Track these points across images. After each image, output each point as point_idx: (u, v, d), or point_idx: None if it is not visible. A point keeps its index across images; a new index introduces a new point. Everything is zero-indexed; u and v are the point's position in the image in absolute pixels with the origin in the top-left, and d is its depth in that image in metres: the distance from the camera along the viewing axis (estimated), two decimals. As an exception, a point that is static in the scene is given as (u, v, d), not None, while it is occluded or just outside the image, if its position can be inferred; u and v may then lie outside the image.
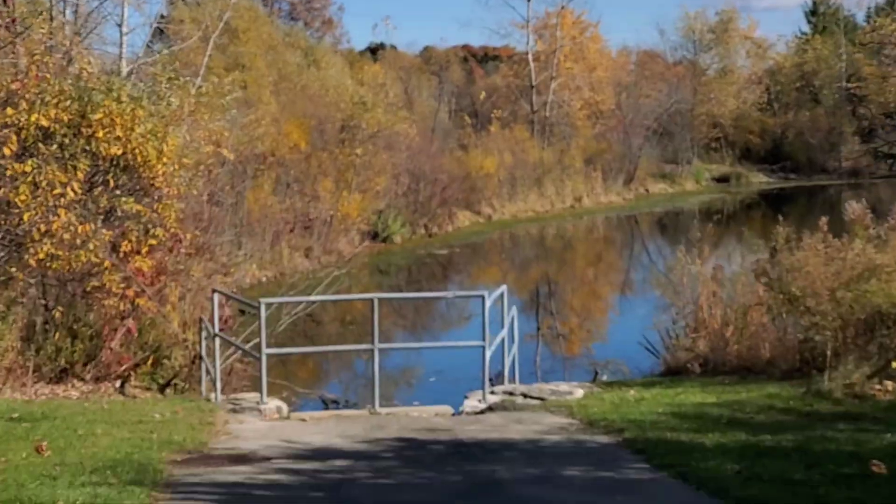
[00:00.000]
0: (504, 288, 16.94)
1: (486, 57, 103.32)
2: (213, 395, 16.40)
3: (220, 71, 40.69)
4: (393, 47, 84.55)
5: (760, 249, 22.68)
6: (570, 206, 63.97)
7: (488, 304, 15.57)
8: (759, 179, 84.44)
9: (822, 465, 10.03)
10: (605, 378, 18.59)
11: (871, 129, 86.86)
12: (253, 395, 16.21)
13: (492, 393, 15.88)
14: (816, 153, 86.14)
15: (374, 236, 45.08)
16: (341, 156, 44.18)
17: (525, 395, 15.77)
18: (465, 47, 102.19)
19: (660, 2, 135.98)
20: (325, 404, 19.50)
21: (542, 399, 15.44)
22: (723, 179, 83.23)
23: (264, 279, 35.39)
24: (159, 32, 41.03)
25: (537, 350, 24.61)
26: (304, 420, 14.74)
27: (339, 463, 11.15)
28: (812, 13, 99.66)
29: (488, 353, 15.61)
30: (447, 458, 11.51)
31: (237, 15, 46.64)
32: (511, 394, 15.93)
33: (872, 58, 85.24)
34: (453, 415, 15.41)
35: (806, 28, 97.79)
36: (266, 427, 13.88)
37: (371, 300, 15.71)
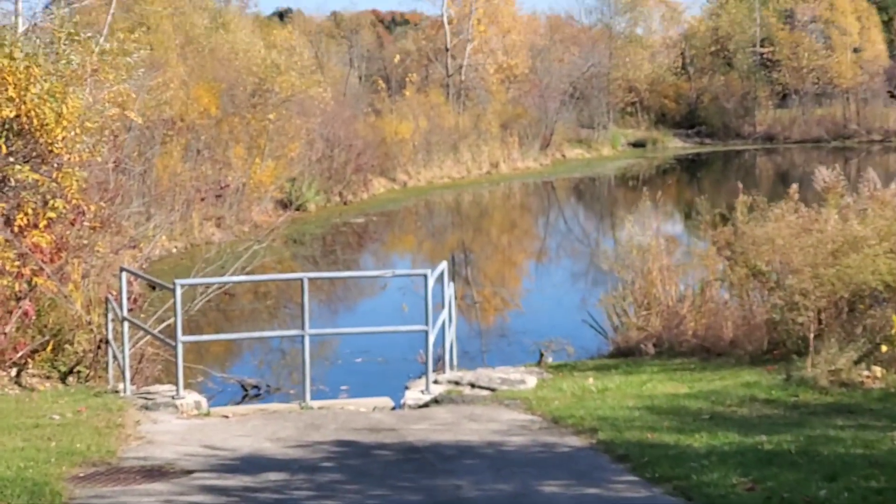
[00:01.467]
0: (444, 265, 15.24)
1: (393, 22, 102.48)
2: (121, 386, 14.64)
3: (124, 33, 38.64)
4: (300, 12, 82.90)
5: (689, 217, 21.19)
6: (486, 173, 62.53)
7: (431, 282, 13.93)
8: (675, 144, 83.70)
9: (842, 477, 8.54)
10: (550, 360, 17.00)
11: (784, 94, 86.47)
12: (167, 388, 14.44)
13: (435, 382, 14.24)
14: (731, 118, 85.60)
15: (288, 204, 43.26)
16: (253, 121, 42.30)
17: (473, 385, 14.17)
18: (374, 12, 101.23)
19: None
20: (245, 390, 17.84)
21: (492, 389, 13.86)
22: (639, 144, 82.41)
23: (174, 250, 33.70)
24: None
25: (469, 329, 23.13)
26: (226, 417, 13.00)
27: (272, 477, 9.42)
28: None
29: (432, 338, 13.98)
30: (398, 468, 9.84)
31: (142, -26, 44.45)
32: (457, 383, 14.33)
33: (784, 22, 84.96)
34: (394, 408, 13.78)
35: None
36: (184, 427, 12.16)
37: (300, 280, 13.95)
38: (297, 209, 42.79)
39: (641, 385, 13.50)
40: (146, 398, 13.72)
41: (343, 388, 17.22)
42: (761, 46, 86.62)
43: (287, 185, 43.59)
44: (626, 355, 16.60)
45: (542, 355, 17.00)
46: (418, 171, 57.42)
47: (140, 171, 32.63)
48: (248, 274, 19.56)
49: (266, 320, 25.84)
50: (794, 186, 15.89)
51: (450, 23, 73.20)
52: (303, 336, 13.72)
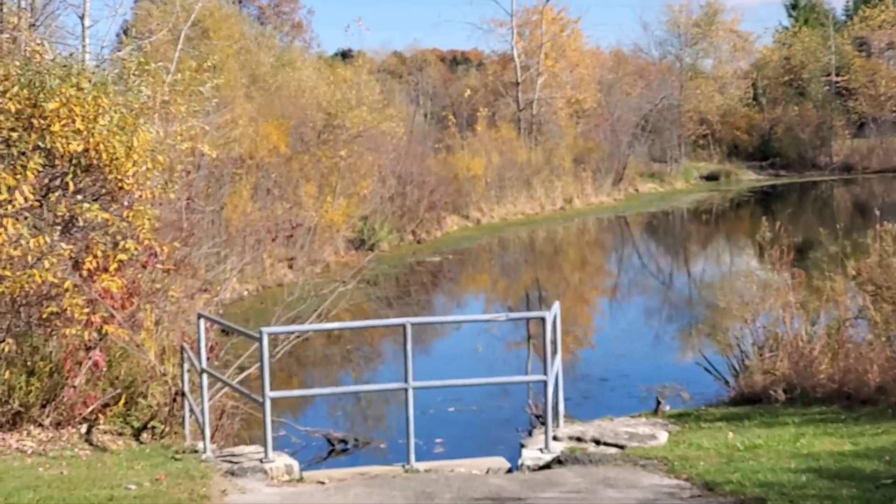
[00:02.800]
0: (557, 306, 13.62)
1: (454, 61, 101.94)
2: (200, 445, 13.21)
3: (190, 70, 37.71)
4: (363, 52, 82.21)
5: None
6: (560, 208, 61.08)
7: (549, 325, 12.37)
8: (749, 177, 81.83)
9: None
10: (667, 408, 15.40)
11: (861, 122, 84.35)
12: (252, 449, 12.98)
13: (554, 439, 12.67)
14: (806, 148, 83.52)
15: (360, 244, 41.93)
16: (324, 158, 41.02)
17: (597, 441, 12.62)
18: (434, 51, 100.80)
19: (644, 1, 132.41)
20: (332, 445, 16.33)
21: (620, 447, 12.30)
22: (712, 177, 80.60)
23: (246, 293, 32.43)
24: (124, 33, 38.04)
25: (564, 373, 21.55)
26: (322, 483, 11.50)
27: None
28: (793, 6, 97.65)
29: (551, 388, 12.39)
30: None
31: (206, 13, 43.48)
32: (579, 439, 12.77)
33: (859, 49, 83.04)
34: (510, 470, 12.21)
35: (787, 22, 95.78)
36: (277, 497, 10.66)
37: (403, 326, 12.39)
38: (370, 248, 41.44)
39: (794, 441, 11.86)
40: (231, 461, 12.25)
41: (438, 440, 15.74)
42: (836, 75, 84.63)
43: (359, 223, 42.27)
44: (751, 402, 14.97)
45: (658, 403, 15.41)
46: (491, 207, 56.03)
47: (212, 210, 31.36)
48: (325, 317, 18.12)
49: (340, 365, 24.51)
50: None
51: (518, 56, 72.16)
52: (406, 389, 12.20)
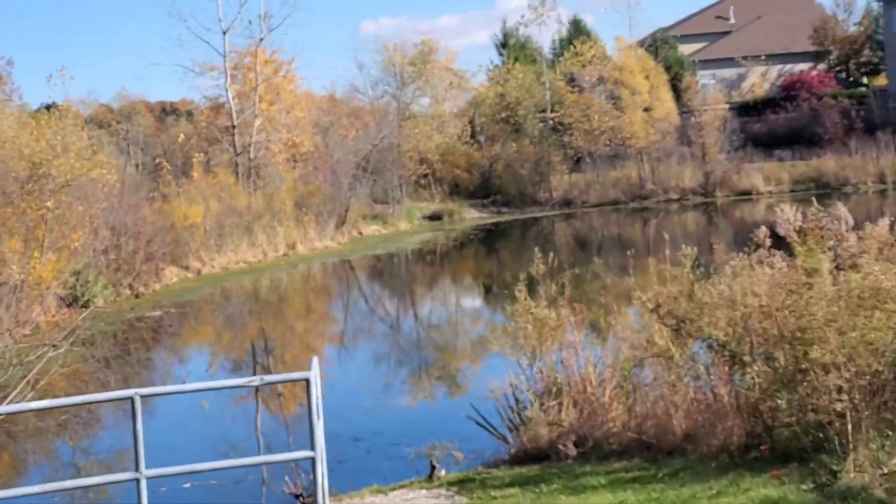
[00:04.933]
0: (316, 364, 11.35)
1: (164, 111, 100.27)
2: None
3: None
4: (69, 104, 78.73)
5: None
6: (283, 255, 58.84)
7: (315, 389, 10.30)
8: (472, 215, 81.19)
9: None
10: (443, 472, 13.47)
11: (578, 157, 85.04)
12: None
13: None
14: (526, 185, 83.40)
15: (74, 300, 38.91)
16: (29, 210, 37.90)
17: None
18: (143, 102, 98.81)
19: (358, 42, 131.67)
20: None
21: None
22: (435, 217, 79.58)
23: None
24: None
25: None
26: None
27: None
28: (503, 45, 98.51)
29: (320, 467, 10.33)
30: None
31: None
32: None
33: (571, 85, 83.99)
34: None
35: (497, 60, 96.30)
36: None
37: (130, 399, 10.01)
38: (84, 305, 38.47)
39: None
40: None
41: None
42: (551, 111, 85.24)
43: (71, 279, 39.22)
44: (537, 459, 13.23)
45: (433, 468, 13.41)
46: (212, 256, 53.39)
47: None
48: (34, 386, 15.65)
49: (56, 434, 22.02)
50: (763, 229, 12.64)
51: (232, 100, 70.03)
52: (138, 480, 9.87)
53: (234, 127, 68.60)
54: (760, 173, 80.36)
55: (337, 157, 71.14)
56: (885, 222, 12.18)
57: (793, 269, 11.89)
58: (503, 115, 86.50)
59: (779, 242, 12.70)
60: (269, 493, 14.43)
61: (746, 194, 78.70)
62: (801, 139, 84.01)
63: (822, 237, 12.36)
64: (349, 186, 69.80)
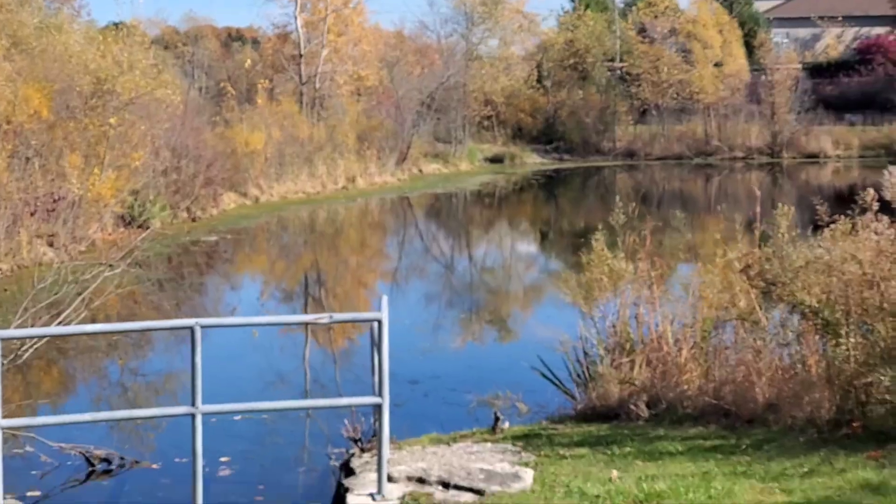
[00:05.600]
0: (385, 303, 10.69)
1: (230, 37, 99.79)
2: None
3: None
4: (135, 23, 78.37)
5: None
6: (342, 188, 58.44)
7: (385, 331, 9.76)
8: (534, 160, 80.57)
9: None
10: (507, 425, 12.87)
11: (644, 109, 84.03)
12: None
13: (389, 479, 10.02)
14: (590, 133, 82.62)
15: (131, 220, 38.56)
16: (91, 126, 37.49)
17: (446, 484, 10.01)
18: (209, 26, 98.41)
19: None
20: (92, 465, 13.43)
21: (477, 492, 9.74)
22: (497, 160, 79.05)
23: (-2, 273, 29.09)
24: None
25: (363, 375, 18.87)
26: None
27: None
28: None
29: (386, 413, 9.81)
30: None
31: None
32: (421, 479, 10.15)
33: (642, 35, 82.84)
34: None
35: (569, 6, 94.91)
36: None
37: (190, 329, 9.49)
38: (141, 226, 38.13)
39: (706, 487, 9.46)
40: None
41: (223, 459, 13.04)
42: (620, 60, 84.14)
43: (129, 198, 38.89)
44: (606, 418, 12.63)
45: (497, 420, 12.84)
46: (271, 185, 53.08)
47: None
48: (86, 303, 15.18)
49: (105, 353, 21.69)
50: (870, 191, 11.75)
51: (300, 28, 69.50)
52: (193, 415, 9.38)
53: (300, 56, 68.10)
54: (830, 136, 79.03)
55: (402, 93, 70.51)
56: None
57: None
58: (571, 61, 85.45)
59: (883, 209, 11.95)
60: (319, 433, 13.92)
61: (814, 157, 77.48)
62: (874, 104, 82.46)
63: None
64: (412, 123, 69.30)
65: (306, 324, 17.46)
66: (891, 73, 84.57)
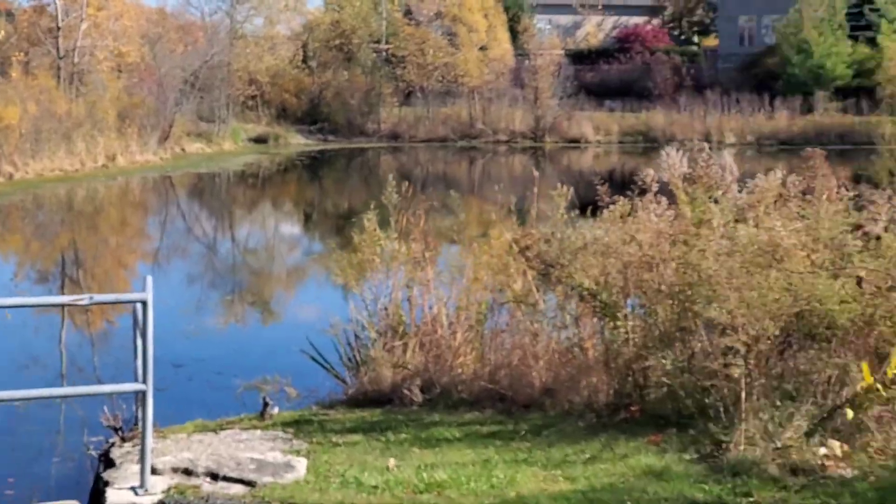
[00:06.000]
0: (150, 283, 10.09)
1: None
2: None
3: None
4: None
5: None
6: (102, 166, 56.56)
7: (150, 313, 9.22)
8: (298, 141, 79.93)
9: None
10: (276, 410, 12.40)
11: (409, 91, 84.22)
12: None
13: (153, 471, 9.46)
14: (355, 115, 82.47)
15: None
16: None
17: (214, 476, 9.51)
18: None
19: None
20: None
21: (248, 483, 9.27)
22: (261, 140, 78.14)
23: None
24: None
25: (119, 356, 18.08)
26: None
27: None
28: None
29: (150, 401, 9.27)
30: None
31: None
32: (188, 471, 9.61)
33: (409, 18, 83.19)
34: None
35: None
36: None
37: None
38: None
39: (487, 475, 9.20)
40: None
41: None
42: (386, 42, 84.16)
43: None
44: (378, 403, 12.29)
45: (265, 405, 12.35)
46: (26, 162, 51.02)
47: None
48: None
49: None
50: (650, 172, 11.65)
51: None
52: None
53: (58, 29, 65.85)
54: (591, 122, 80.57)
55: (164, 71, 68.98)
56: (777, 175, 11.47)
57: (679, 218, 11.16)
58: (337, 42, 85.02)
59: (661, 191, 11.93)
60: (76, 420, 13.19)
61: (575, 142, 78.88)
62: (632, 92, 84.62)
63: (710, 186, 11.63)
64: (175, 101, 67.88)
65: (64, 305, 16.58)
66: (647, 62, 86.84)
